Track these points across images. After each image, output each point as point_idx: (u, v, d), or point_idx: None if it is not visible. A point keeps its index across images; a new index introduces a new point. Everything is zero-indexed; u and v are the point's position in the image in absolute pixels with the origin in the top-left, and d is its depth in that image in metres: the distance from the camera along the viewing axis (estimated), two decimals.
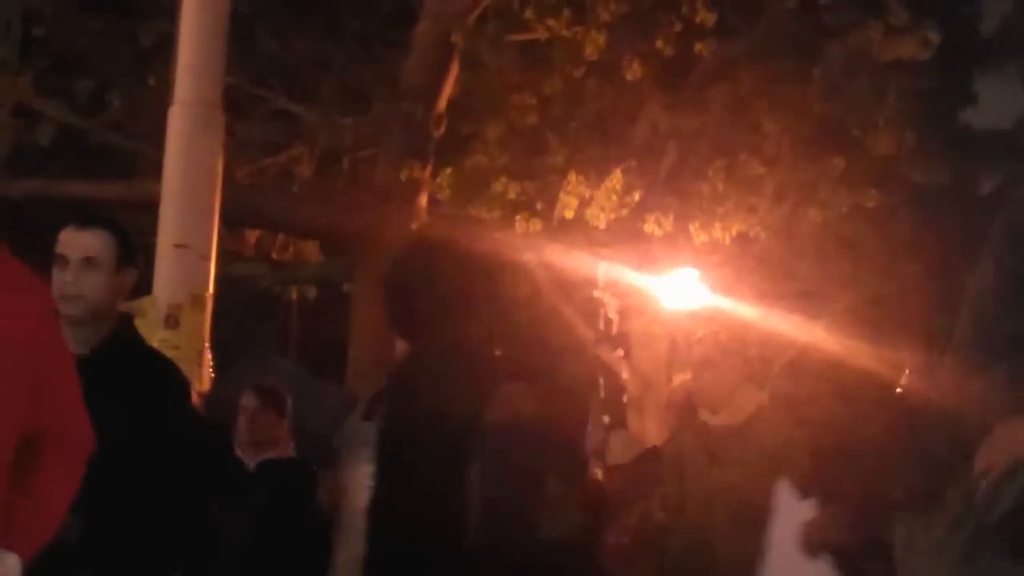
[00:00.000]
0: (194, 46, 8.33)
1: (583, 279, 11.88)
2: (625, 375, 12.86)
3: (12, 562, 3.04)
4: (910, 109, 13.23)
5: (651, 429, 11.72)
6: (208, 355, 7.70)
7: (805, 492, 4.49)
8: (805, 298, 14.06)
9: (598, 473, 6.41)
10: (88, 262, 3.90)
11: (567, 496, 3.67)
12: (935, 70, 13.58)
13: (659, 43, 12.15)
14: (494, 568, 3.54)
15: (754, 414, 5.48)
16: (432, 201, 11.88)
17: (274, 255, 13.06)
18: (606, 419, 9.23)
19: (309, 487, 5.76)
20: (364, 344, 11.23)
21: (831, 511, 4.08)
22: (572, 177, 11.86)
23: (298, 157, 12.47)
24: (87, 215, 4.10)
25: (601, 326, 12.22)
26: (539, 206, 11.81)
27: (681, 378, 7.50)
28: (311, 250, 13.13)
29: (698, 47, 12.49)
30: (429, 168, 11.72)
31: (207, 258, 8.08)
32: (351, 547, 3.89)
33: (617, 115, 12.52)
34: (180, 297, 7.84)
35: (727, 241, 12.40)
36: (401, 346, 3.97)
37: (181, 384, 4.14)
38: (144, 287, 7.14)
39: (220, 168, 8.37)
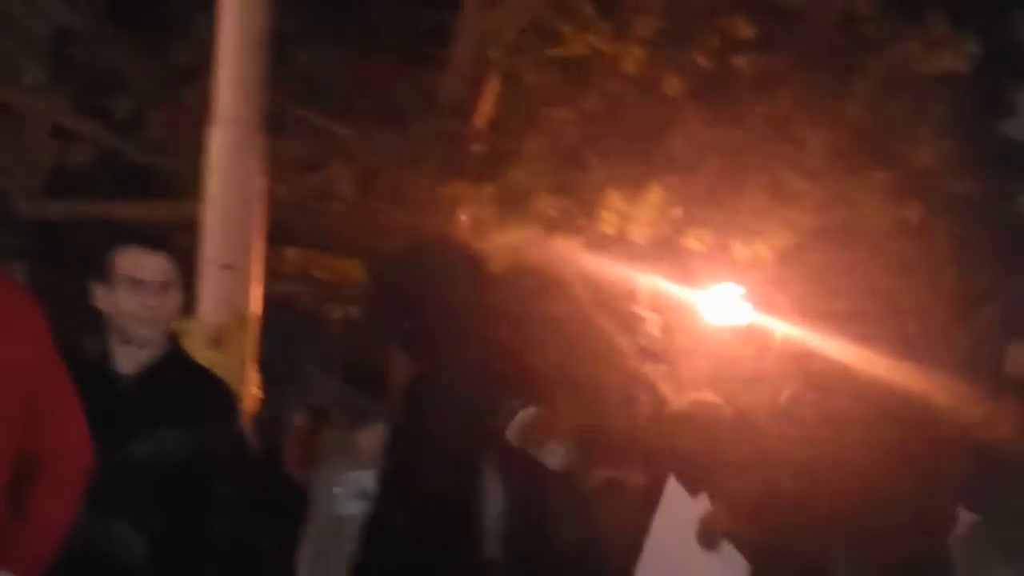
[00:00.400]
0: (233, 65, 8.32)
1: (624, 295, 11.81)
2: (667, 390, 12.76)
3: None
4: (951, 121, 13.11)
5: None
6: (254, 375, 7.67)
7: (694, 488, 4.42)
8: (848, 313, 13.96)
9: None
10: (165, 286, 3.91)
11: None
12: (975, 82, 13.46)
13: (698, 57, 12.10)
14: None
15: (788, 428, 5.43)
16: (472, 218, 11.82)
17: (316, 274, 13.04)
18: None
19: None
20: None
21: (725, 505, 4.01)
22: (612, 193, 11.78)
23: (338, 175, 12.44)
24: (149, 237, 4.06)
25: (643, 342, 12.15)
26: (579, 222, 11.74)
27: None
28: (353, 268, 13.10)
29: (738, 61, 12.41)
30: (469, 185, 11.66)
31: (251, 277, 8.06)
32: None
33: (656, 130, 12.44)
34: (224, 317, 7.82)
35: (769, 256, 12.30)
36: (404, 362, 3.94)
37: (232, 401, 4.15)
38: (188, 308, 7.10)
39: (262, 187, 8.34)
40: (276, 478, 6.63)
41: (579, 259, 11.19)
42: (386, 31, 12.77)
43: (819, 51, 12.85)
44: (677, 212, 12.02)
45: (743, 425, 5.91)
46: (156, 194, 12.30)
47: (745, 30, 12.13)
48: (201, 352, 7.22)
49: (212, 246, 8.06)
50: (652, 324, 12.11)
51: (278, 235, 10.61)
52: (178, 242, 6.74)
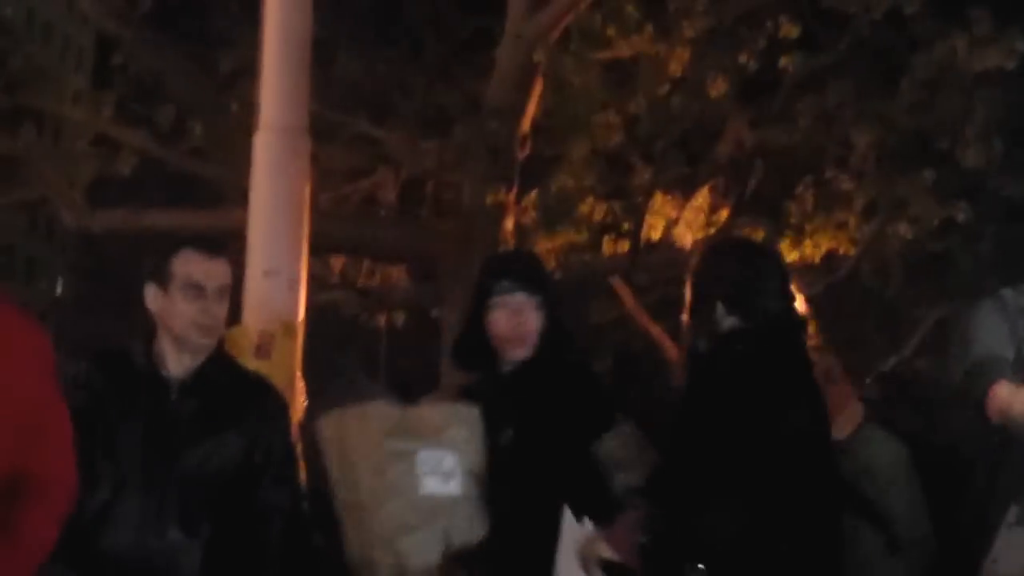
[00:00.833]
0: (278, 71, 8.25)
1: (672, 299, 11.74)
2: None
3: None
4: (998, 120, 12.96)
5: None
6: (300, 384, 7.61)
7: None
8: (895, 315, 13.84)
9: None
10: (222, 291, 3.90)
11: None
12: (1022, 79, 13.31)
13: (743, 58, 12.01)
14: None
15: (857, 430, 5.35)
16: (518, 224, 11.77)
17: (361, 282, 13.03)
18: None
19: None
20: (456, 370, 11.12)
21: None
22: (658, 196, 11.71)
23: (382, 182, 12.42)
24: (206, 242, 4.03)
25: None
26: (626, 227, 11.67)
27: None
28: (398, 276, 13.09)
29: (783, 61, 12.32)
30: (514, 191, 11.59)
31: (297, 285, 7.99)
32: None
33: (702, 132, 12.36)
34: (270, 326, 7.76)
35: (817, 259, 12.21)
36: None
37: (282, 405, 4.13)
38: (233, 316, 7.06)
39: (307, 194, 8.29)
40: (324, 485, 6.55)
41: (626, 264, 11.11)
42: (430, 37, 12.76)
43: (865, 50, 12.75)
44: (724, 215, 11.95)
45: None
46: (199, 202, 12.30)
47: (791, 30, 12.01)
48: (247, 360, 7.18)
49: (257, 254, 7.99)
50: None
51: (323, 243, 10.61)
52: (225, 250, 6.71)
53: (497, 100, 11.67)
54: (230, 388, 3.94)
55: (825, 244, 12.10)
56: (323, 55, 9.15)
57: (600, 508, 3.73)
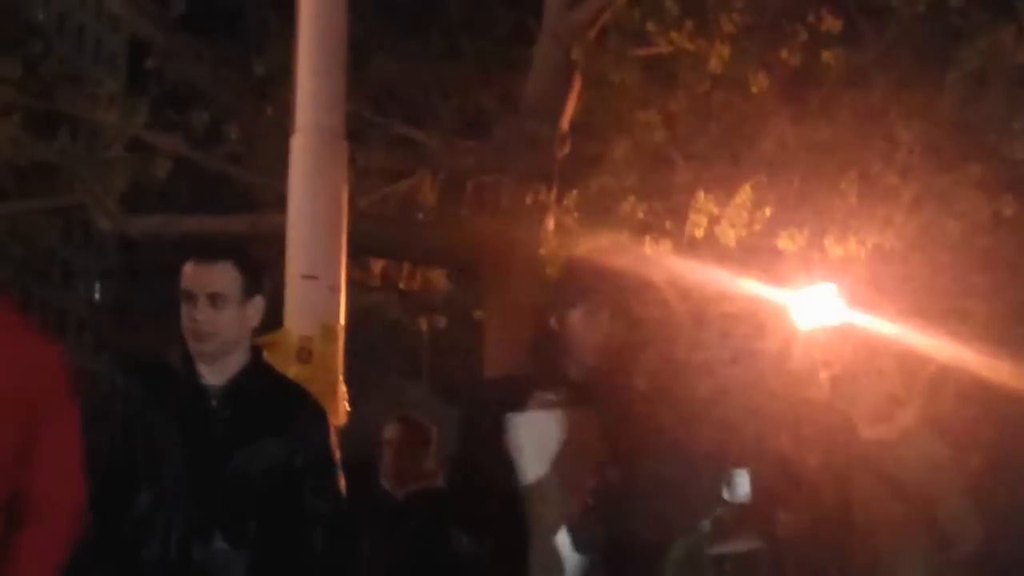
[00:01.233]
0: (313, 74, 8.19)
1: (716, 298, 11.64)
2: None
3: None
4: None
5: None
6: (343, 388, 7.55)
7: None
8: (945, 312, 13.65)
9: None
10: (215, 298, 3.87)
11: None
12: None
13: (785, 53, 11.88)
14: None
15: (904, 432, 5.30)
16: (558, 224, 11.68)
17: (401, 284, 12.99)
18: None
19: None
20: (497, 371, 11.06)
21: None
22: (700, 194, 11.58)
23: (421, 183, 12.36)
24: (207, 248, 4.05)
25: (736, 344, 11.99)
26: (668, 225, 11.55)
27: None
28: (439, 278, 13.04)
29: (825, 56, 12.16)
30: (554, 190, 11.51)
31: (337, 289, 7.92)
32: None
33: (744, 129, 12.24)
34: (311, 330, 7.69)
35: (863, 255, 12.05)
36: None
37: (320, 413, 4.12)
38: (275, 320, 6.99)
39: (346, 196, 8.22)
40: (371, 491, 6.52)
41: (669, 263, 11.01)
42: (467, 36, 12.71)
43: (909, 43, 12.60)
44: (767, 212, 11.80)
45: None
46: (236, 206, 12.27)
47: (832, 24, 11.87)
48: (289, 366, 7.11)
49: (296, 258, 7.93)
50: (745, 326, 11.92)
51: (362, 245, 10.54)
52: (262, 255, 6.63)
53: (536, 99, 11.63)
54: (268, 396, 3.94)
55: (871, 240, 11.93)
56: (359, 56, 9.10)
57: None
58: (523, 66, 11.93)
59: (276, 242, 8.13)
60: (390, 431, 6.73)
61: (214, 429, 3.80)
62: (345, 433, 6.98)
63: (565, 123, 11.63)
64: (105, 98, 12.16)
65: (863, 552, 5.05)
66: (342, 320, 7.91)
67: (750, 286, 11.69)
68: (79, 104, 11.95)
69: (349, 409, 7.48)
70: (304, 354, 7.49)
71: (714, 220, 11.60)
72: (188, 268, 3.90)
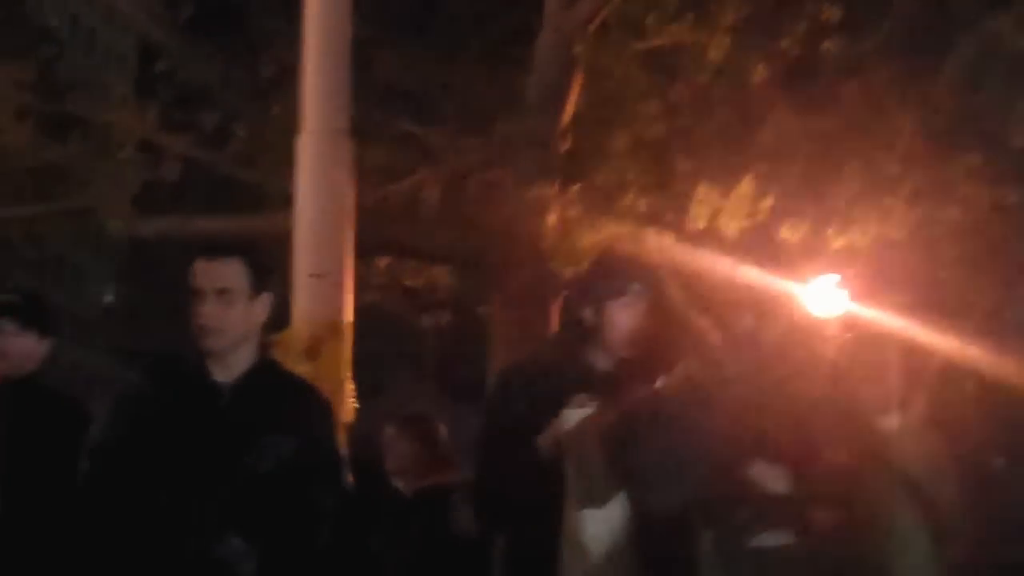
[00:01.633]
0: (319, 73, 8.32)
1: (717, 289, 11.66)
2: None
3: None
4: None
5: None
6: (350, 385, 7.65)
7: None
8: (947, 301, 13.65)
9: None
10: (222, 294, 3.91)
11: None
12: None
13: (785, 43, 11.94)
14: None
15: (905, 425, 5.29)
16: (561, 218, 11.74)
17: (406, 281, 13.05)
18: None
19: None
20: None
21: None
22: (702, 186, 11.64)
23: (424, 181, 12.42)
24: (216, 245, 4.07)
25: (737, 335, 11.95)
26: (669, 217, 11.61)
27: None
28: (443, 275, 13.09)
29: (825, 45, 12.22)
30: (557, 185, 11.58)
31: (344, 287, 8.03)
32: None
33: (745, 120, 12.28)
34: (319, 328, 7.80)
35: (865, 245, 12.09)
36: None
37: (327, 410, 4.18)
38: (283, 319, 7.09)
39: (352, 195, 8.32)
40: (378, 488, 6.59)
41: (670, 254, 11.05)
42: (468, 33, 12.75)
43: (909, 32, 12.62)
44: (769, 203, 11.85)
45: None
46: (246, 206, 12.36)
47: (832, 13, 11.92)
48: (297, 364, 7.22)
49: (303, 256, 8.06)
50: (746, 318, 11.91)
51: (367, 243, 10.63)
52: (270, 254, 6.74)
53: (538, 94, 11.69)
54: (277, 392, 3.99)
55: (872, 230, 11.97)
56: (362, 54, 9.16)
57: None
58: (525, 62, 11.98)
59: (285, 241, 8.24)
60: (396, 428, 6.78)
61: (225, 426, 3.85)
62: (353, 430, 7.09)
63: (567, 118, 11.68)
64: (116, 101, 12.27)
65: (876, 551, 5.09)
66: (349, 318, 8.03)
67: (752, 277, 11.73)
68: (91, 107, 12.05)
69: (357, 406, 7.59)
70: (312, 352, 7.61)
71: (716, 211, 11.64)
72: (197, 265, 3.93)
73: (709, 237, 11.76)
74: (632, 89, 11.78)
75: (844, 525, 4.40)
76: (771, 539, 4.17)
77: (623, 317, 4.08)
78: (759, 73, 11.84)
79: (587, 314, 4.12)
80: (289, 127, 8.79)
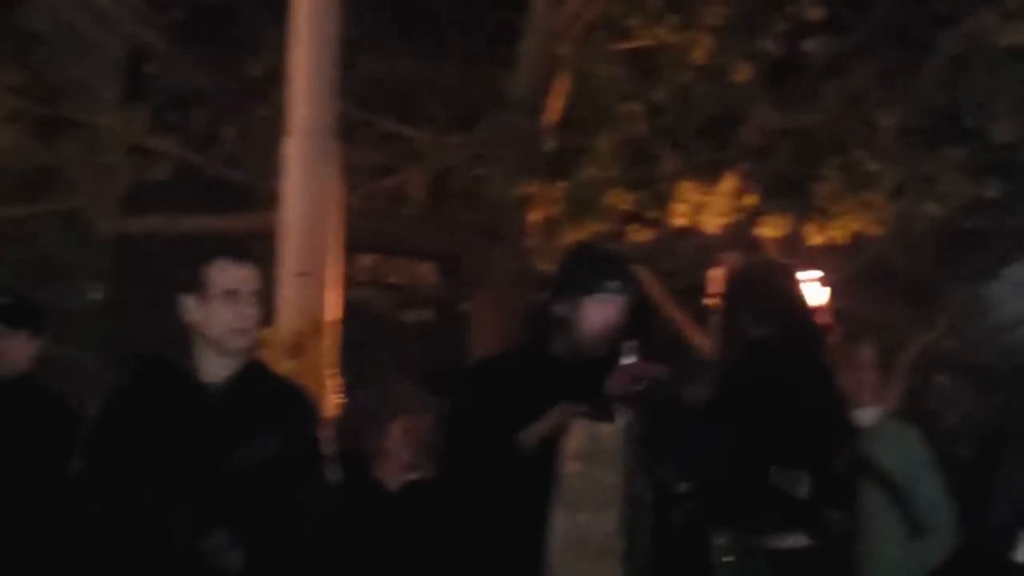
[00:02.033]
0: (306, 76, 8.40)
1: (698, 286, 11.72)
2: None
3: None
4: None
5: None
6: (334, 381, 7.72)
7: None
8: (927, 295, 13.73)
9: None
10: (255, 296, 3.98)
11: None
12: None
13: (767, 43, 12.00)
14: None
15: (879, 419, 5.34)
16: (545, 216, 11.80)
17: (390, 278, 13.06)
18: None
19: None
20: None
21: None
22: (684, 184, 11.71)
23: (409, 179, 12.46)
24: (238, 249, 4.12)
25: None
26: (651, 215, 11.67)
27: None
28: (426, 272, 13.11)
29: (807, 44, 12.28)
30: (541, 183, 11.63)
31: (329, 285, 8.12)
32: None
33: (727, 118, 12.35)
34: (303, 325, 7.89)
35: (844, 240, 12.17)
36: None
37: (313, 409, 4.22)
38: (266, 317, 7.15)
39: (338, 195, 8.40)
40: (364, 484, 6.62)
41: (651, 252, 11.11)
42: (454, 32, 12.78)
43: (891, 29, 12.67)
44: (751, 200, 11.92)
45: None
46: (232, 206, 12.41)
47: (815, 13, 11.98)
48: (281, 360, 7.31)
49: (289, 255, 8.14)
50: None
51: (351, 241, 10.69)
52: (255, 252, 6.83)
53: (522, 93, 11.72)
54: (266, 392, 4.02)
55: (853, 225, 12.04)
56: (347, 54, 9.21)
57: None
58: (509, 62, 12.02)
59: (270, 240, 8.32)
60: (381, 423, 6.79)
61: (215, 426, 3.88)
62: (337, 425, 7.15)
63: (551, 117, 11.73)
64: (105, 103, 12.31)
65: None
66: (334, 316, 8.11)
67: None
68: (80, 109, 12.10)
69: (341, 401, 7.65)
70: (296, 349, 7.70)
71: (697, 208, 11.70)
72: (229, 267, 3.93)
73: (691, 234, 11.85)
74: (615, 88, 11.84)
75: (852, 526, 4.42)
76: (789, 540, 4.17)
77: (597, 314, 4.07)
78: (741, 72, 11.90)
79: (560, 308, 4.08)
80: (276, 128, 8.86)
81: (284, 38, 8.71)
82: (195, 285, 3.94)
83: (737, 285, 4.46)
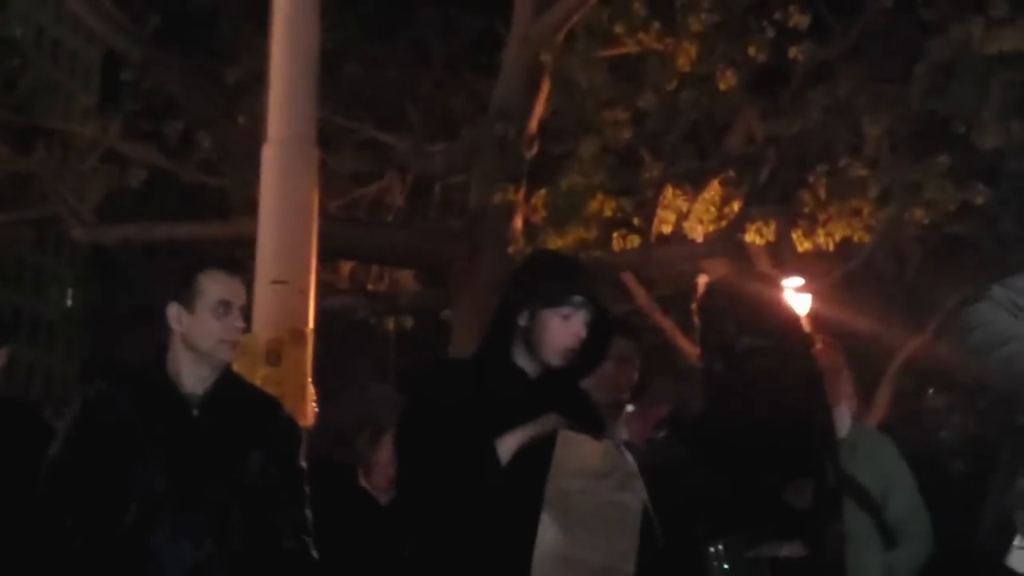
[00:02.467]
0: (285, 83, 8.26)
1: (683, 293, 11.70)
2: None
3: None
4: (1015, 101, 12.85)
5: None
6: (311, 389, 7.62)
7: None
8: (914, 300, 13.71)
9: None
10: (243, 308, 3.90)
11: None
12: None
13: (752, 50, 11.94)
14: None
15: (854, 430, 5.29)
16: (527, 223, 11.72)
17: (369, 286, 13.01)
18: None
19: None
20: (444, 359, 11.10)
21: None
22: (669, 191, 11.65)
23: (389, 186, 12.41)
24: (229, 261, 4.06)
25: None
26: (636, 222, 11.61)
27: None
28: (406, 279, 13.05)
29: (793, 51, 12.23)
30: (523, 190, 11.56)
31: (306, 293, 8.01)
32: None
33: (712, 125, 12.30)
34: (280, 333, 7.78)
35: (831, 248, 12.13)
36: None
37: (289, 419, 4.17)
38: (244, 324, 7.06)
39: (316, 203, 8.30)
40: (346, 493, 6.52)
41: (636, 259, 11.04)
42: (436, 40, 12.73)
43: (877, 37, 12.66)
44: (735, 207, 11.88)
45: None
46: (209, 214, 12.34)
47: (800, 20, 11.94)
48: (258, 369, 7.20)
49: (267, 263, 8.01)
50: None
51: (331, 248, 10.62)
52: (235, 258, 6.75)
53: (504, 101, 11.63)
54: (244, 405, 3.97)
55: (839, 232, 12.00)
56: (329, 61, 9.14)
57: None
58: (492, 69, 11.95)
59: (247, 247, 8.22)
60: (374, 434, 6.70)
61: (197, 437, 3.83)
62: (313, 434, 7.05)
63: (534, 124, 11.64)
64: (80, 111, 12.23)
65: None
66: (311, 324, 8.01)
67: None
68: (55, 117, 12.01)
69: (317, 410, 7.55)
70: (273, 357, 7.58)
71: (682, 216, 11.66)
72: (221, 278, 3.87)
73: (676, 241, 11.80)
74: (599, 96, 11.77)
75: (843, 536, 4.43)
76: (785, 549, 4.17)
77: (560, 328, 4.04)
78: (726, 79, 11.85)
79: (522, 318, 4.04)
80: (254, 135, 8.77)
81: (262, 45, 8.62)
82: (184, 294, 3.86)
83: (721, 294, 4.44)
